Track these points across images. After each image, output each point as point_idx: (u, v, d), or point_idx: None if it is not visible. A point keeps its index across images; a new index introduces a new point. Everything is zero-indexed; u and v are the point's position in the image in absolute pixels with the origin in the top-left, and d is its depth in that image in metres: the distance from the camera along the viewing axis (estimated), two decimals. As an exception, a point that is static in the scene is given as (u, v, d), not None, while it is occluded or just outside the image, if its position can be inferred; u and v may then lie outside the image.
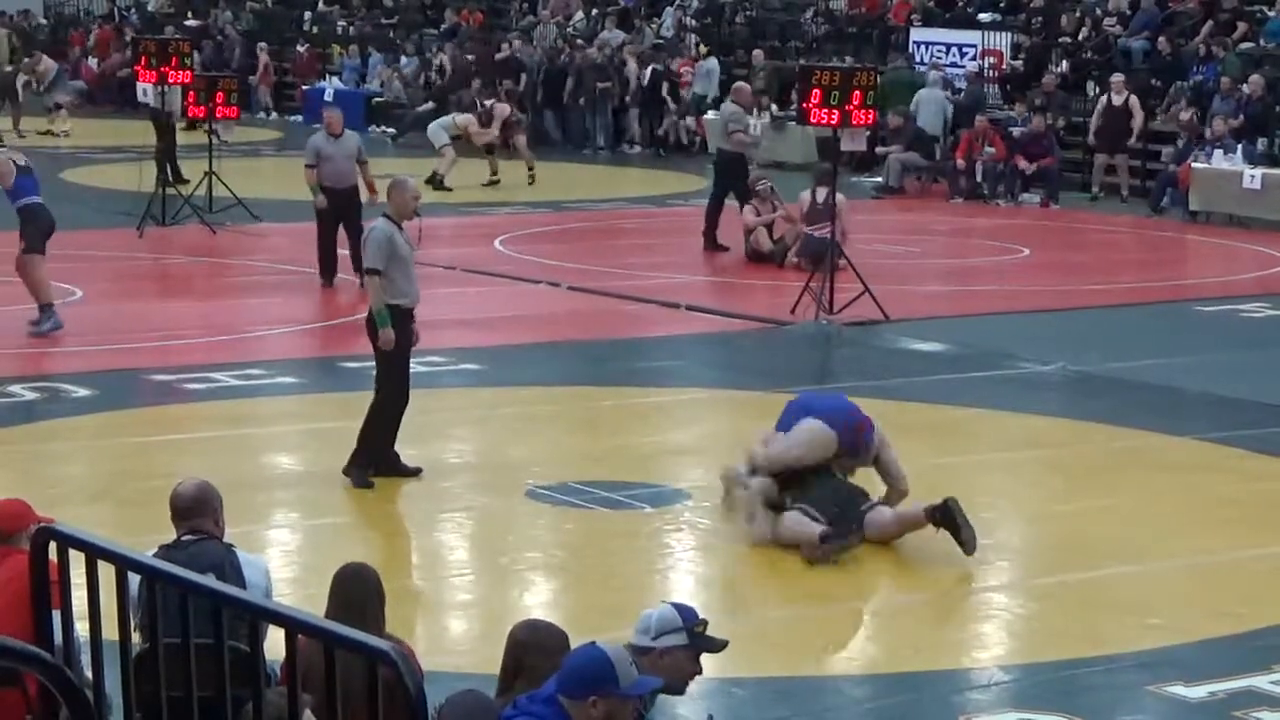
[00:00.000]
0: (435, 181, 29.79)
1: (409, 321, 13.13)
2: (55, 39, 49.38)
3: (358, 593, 7.00)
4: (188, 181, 27.93)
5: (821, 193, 21.72)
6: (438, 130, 30.90)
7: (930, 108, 31.50)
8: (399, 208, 13.13)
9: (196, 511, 7.66)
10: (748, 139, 24.74)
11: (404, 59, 40.95)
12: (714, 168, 24.61)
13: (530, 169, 30.97)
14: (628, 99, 36.12)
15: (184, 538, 7.60)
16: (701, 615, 6.53)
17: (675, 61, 36.54)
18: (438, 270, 22.19)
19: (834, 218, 20.30)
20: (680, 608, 6.52)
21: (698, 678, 6.54)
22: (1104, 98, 29.66)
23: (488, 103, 31.79)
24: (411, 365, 13.50)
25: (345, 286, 20.89)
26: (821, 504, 11.65)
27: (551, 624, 6.65)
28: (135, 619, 5.44)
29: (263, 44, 44.08)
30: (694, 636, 6.41)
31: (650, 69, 35.95)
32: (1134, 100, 29.42)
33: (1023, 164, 29.01)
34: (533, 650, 6.37)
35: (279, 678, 6.40)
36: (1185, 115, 28.90)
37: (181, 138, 30.66)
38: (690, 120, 35.30)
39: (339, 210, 20.75)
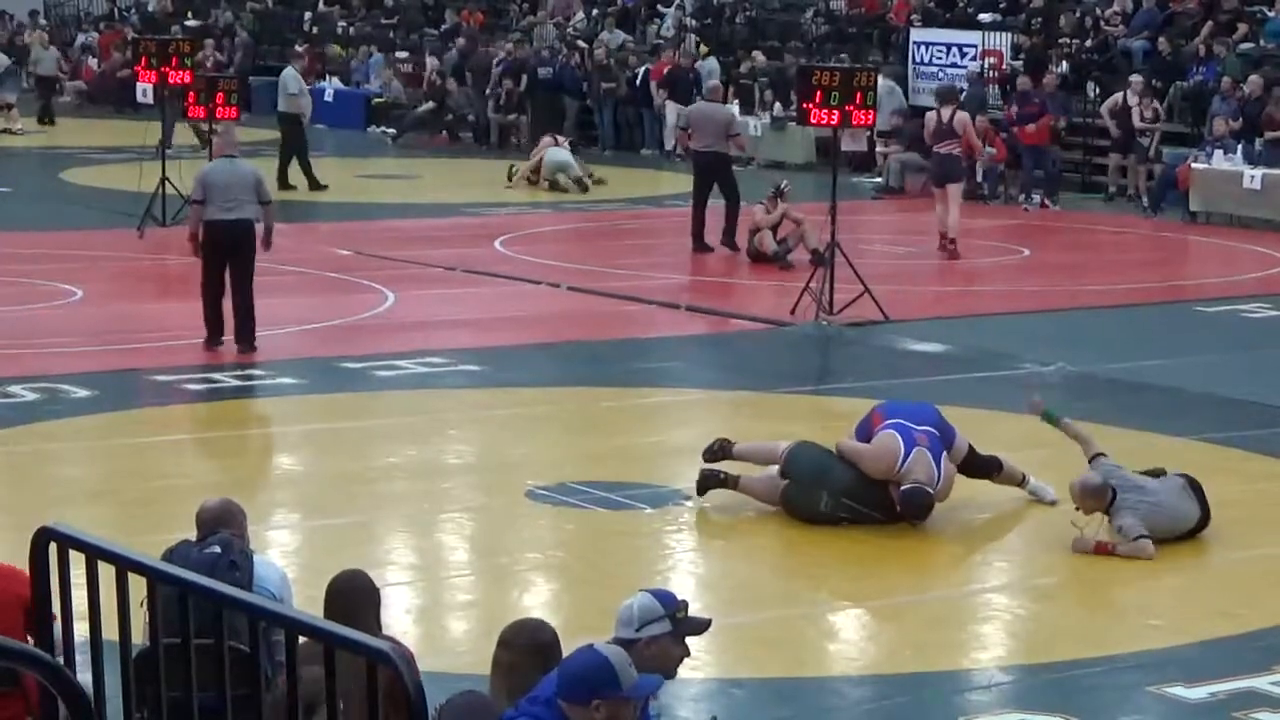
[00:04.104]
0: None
1: None
2: (55, 39, 49.31)
3: (351, 599, 6.98)
4: (325, 187, 29.16)
5: (946, 113, 23.83)
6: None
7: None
8: None
9: (220, 525, 7.72)
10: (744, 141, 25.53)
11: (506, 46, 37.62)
12: (695, 168, 24.45)
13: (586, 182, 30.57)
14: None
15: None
16: (681, 599, 6.46)
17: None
18: (438, 270, 22.21)
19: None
20: (659, 594, 6.44)
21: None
22: (1119, 96, 29.44)
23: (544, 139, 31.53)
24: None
25: (348, 285, 20.91)
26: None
27: (537, 623, 6.56)
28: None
29: (209, 39, 43.37)
30: (676, 622, 6.35)
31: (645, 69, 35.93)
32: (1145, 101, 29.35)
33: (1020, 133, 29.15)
34: (501, 642, 6.32)
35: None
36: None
37: (182, 138, 30.70)
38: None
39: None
